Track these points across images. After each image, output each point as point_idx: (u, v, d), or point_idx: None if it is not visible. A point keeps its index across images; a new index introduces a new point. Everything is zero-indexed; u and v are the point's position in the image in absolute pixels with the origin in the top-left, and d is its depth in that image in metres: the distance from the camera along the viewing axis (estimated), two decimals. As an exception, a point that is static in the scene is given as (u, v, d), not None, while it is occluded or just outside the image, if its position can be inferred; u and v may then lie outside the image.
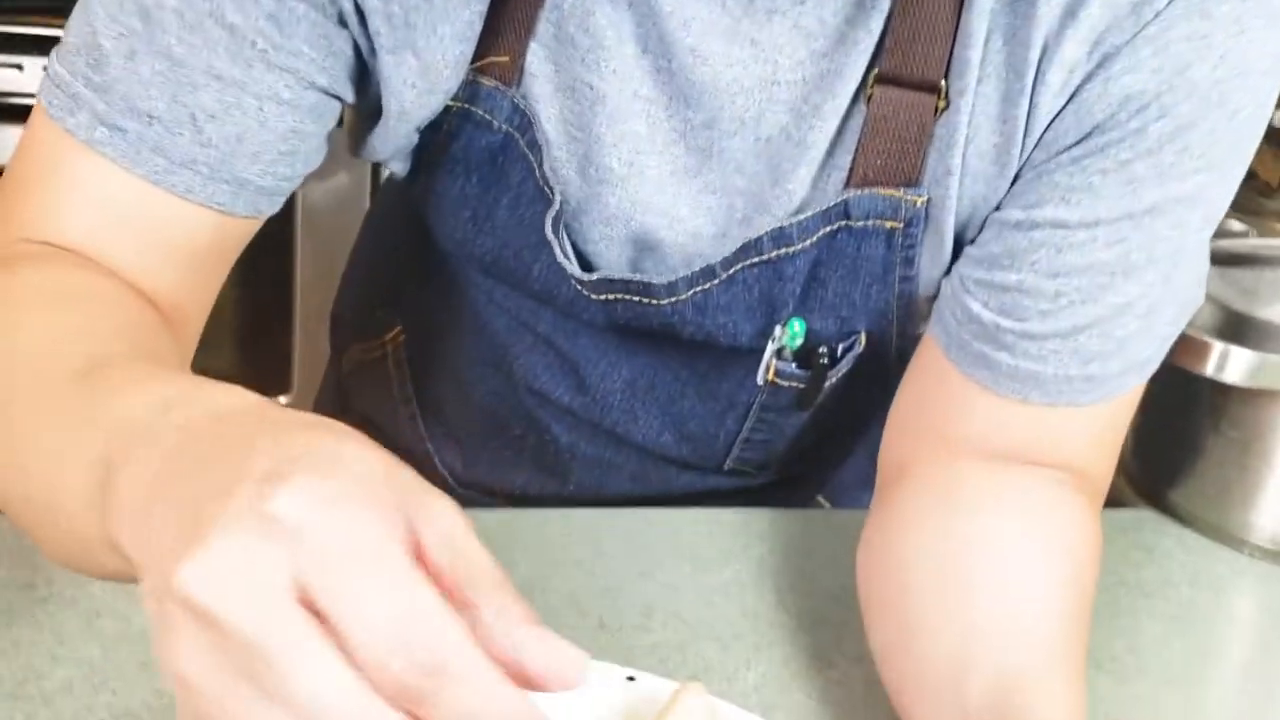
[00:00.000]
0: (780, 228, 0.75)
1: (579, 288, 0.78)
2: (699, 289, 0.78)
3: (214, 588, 0.39)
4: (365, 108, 0.74)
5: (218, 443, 0.45)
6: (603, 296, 0.78)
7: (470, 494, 0.96)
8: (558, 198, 0.75)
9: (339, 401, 1.04)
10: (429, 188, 0.78)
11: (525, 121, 0.74)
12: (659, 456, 0.92)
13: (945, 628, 0.67)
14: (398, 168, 0.78)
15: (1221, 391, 0.94)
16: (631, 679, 0.59)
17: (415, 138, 0.75)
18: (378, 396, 0.99)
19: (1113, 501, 0.93)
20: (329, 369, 1.09)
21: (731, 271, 0.77)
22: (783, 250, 0.76)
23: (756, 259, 0.76)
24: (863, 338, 0.81)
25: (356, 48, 0.69)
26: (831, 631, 0.80)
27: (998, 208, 0.73)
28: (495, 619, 0.41)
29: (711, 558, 0.86)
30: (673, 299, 0.78)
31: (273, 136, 0.68)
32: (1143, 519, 0.98)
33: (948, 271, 0.77)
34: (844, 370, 0.82)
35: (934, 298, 0.78)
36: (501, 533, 0.85)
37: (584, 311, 0.80)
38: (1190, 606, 0.88)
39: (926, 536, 0.73)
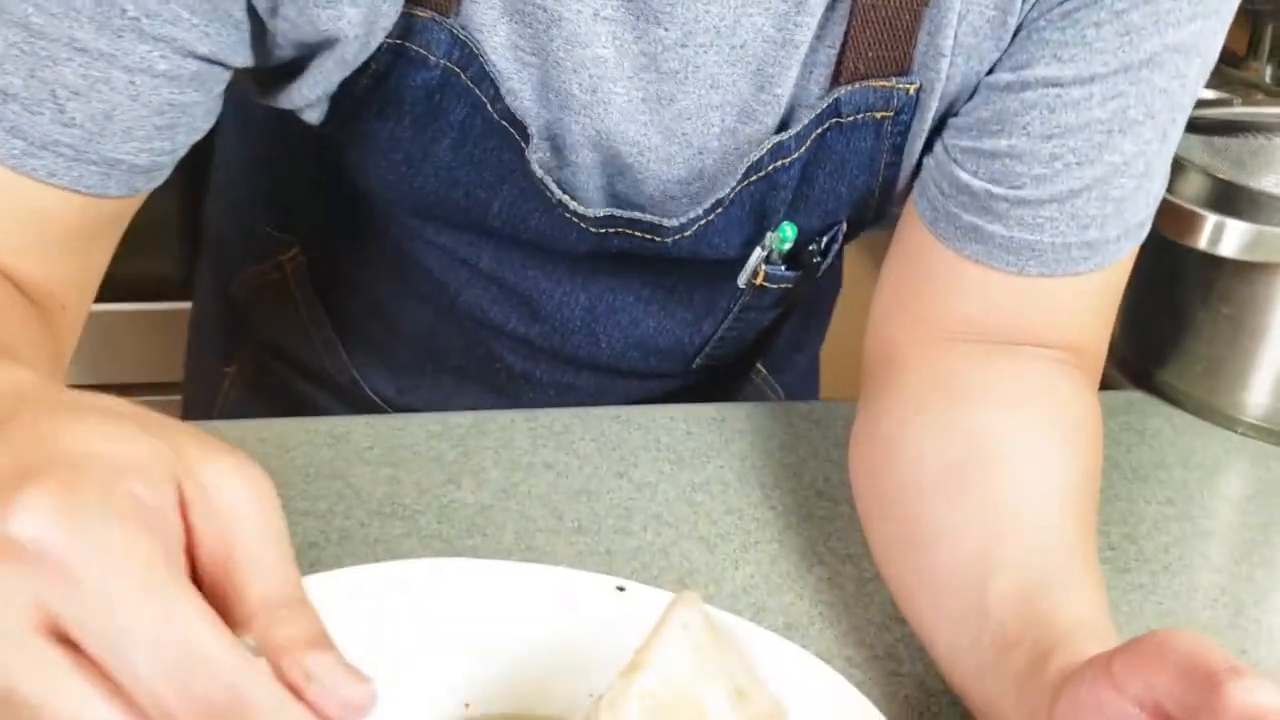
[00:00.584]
0: (779, 142, 0.71)
1: (576, 222, 0.74)
2: (706, 221, 0.74)
3: None
4: (268, 69, 0.66)
5: None
6: (602, 230, 0.74)
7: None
8: (532, 133, 0.70)
9: (235, 329, 0.98)
10: (351, 131, 0.71)
11: (467, 55, 0.67)
12: (623, 372, 0.88)
13: (962, 532, 0.64)
14: (312, 116, 0.70)
15: (1213, 266, 0.90)
16: (621, 589, 0.56)
17: (335, 83, 0.68)
18: (283, 323, 0.94)
19: (1100, 383, 0.90)
20: (209, 294, 1.02)
21: (734, 195, 0.73)
22: (779, 162, 0.72)
23: (755, 176, 0.72)
24: (844, 226, 0.77)
25: (250, 8, 0.61)
26: (818, 528, 0.76)
27: (988, 72, 0.69)
28: (280, 636, 0.38)
29: (690, 456, 0.82)
30: (679, 235, 0.75)
31: (147, 111, 0.60)
32: (1132, 400, 0.95)
33: (929, 146, 0.73)
34: (831, 260, 0.78)
35: (915, 174, 0.75)
36: (469, 436, 0.81)
37: (559, 243, 0.75)
38: (1184, 489, 0.85)
39: (929, 434, 0.69)
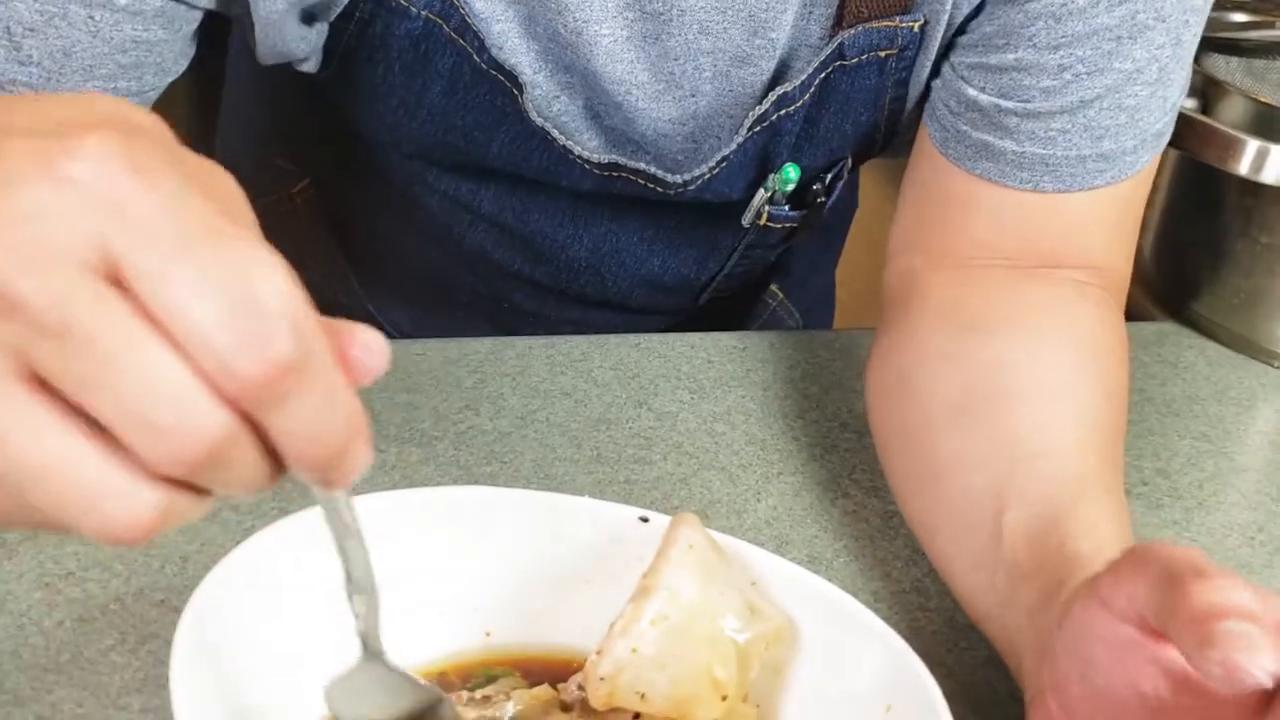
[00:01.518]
0: (784, 94, 0.70)
1: (580, 163, 0.72)
2: (711, 175, 0.73)
3: None
4: (247, 8, 0.63)
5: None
6: (606, 174, 0.73)
7: None
8: (525, 82, 0.68)
9: None
10: (346, 79, 0.70)
11: (447, 6, 0.65)
12: (631, 309, 0.87)
13: (977, 467, 0.62)
14: (309, 67, 0.68)
15: (1253, 193, 0.88)
16: (645, 520, 0.54)
17: (325, 32, 0.66)
18: (297, 252, 0.92)
19: (1131, 314, 0.88)
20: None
21: (739, 144, 0.71)
22: (784, 111, 0.71)
23: (760, 127, 0.71)
24: (849, 161, 0.75)
25: None
26: (842, 460, 0.75)
27: None
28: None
29: (711, 384, 0.81)
30: (683, 188, 0.73)
31: (108, 48, 0.57)
32: (1164, 332, 0.93)
33: (936, 69, 0.71)
34: (835, 198, 0.76)
35: (923, 101, 0.72)
36: (486, 362, 0.79)
37: (561, 184, 0.74)
38: (1219, 423, 0.83)
39: (944, 366, 0.67)
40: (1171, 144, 0.73)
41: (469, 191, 0.79)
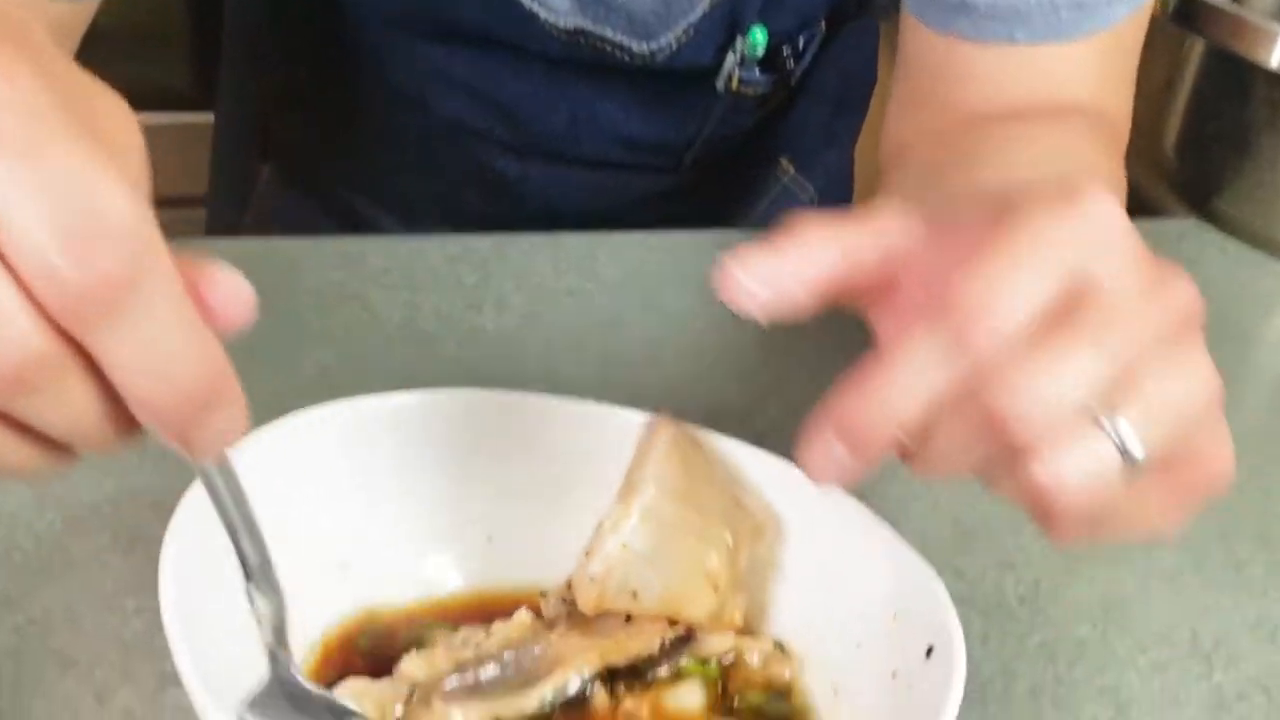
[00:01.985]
0: None
1: (548, 30, 0.71)
2: (677, 44, 0.72)
3: None
4: None
5: None
6: (573, 40, 0.72)
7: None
8: None
9: (266, 130, 0.96)
10: None
11: None
12: (617, 166, 0.86)
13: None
14: None
15: (1282, 85, 0.85)
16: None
17: None
18: (303, 130, 0.92)
19: (1153, 209, 0.86)
20: (236, 95, 0.99)
21: (705, 10, 0.70)
22: None
23: None
24: (822, 25, 0.73)
25: None
26: (855, 357, 0.72)
27: None
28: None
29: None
30: (651, 56, 0.73)
31: None
32: (1185, 230, 0.90)
33: None
34: (806, 64, 0.75)
35: None
36: (489, 260, 0.77)
37: (530, 48, 0.72)
38: (1244, 330, 0.81)
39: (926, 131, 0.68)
40: (1198, 33, 0.70)
41: (444, 57, 0.78)
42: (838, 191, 1.01)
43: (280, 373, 0.66)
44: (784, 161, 0.94)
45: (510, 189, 0.86)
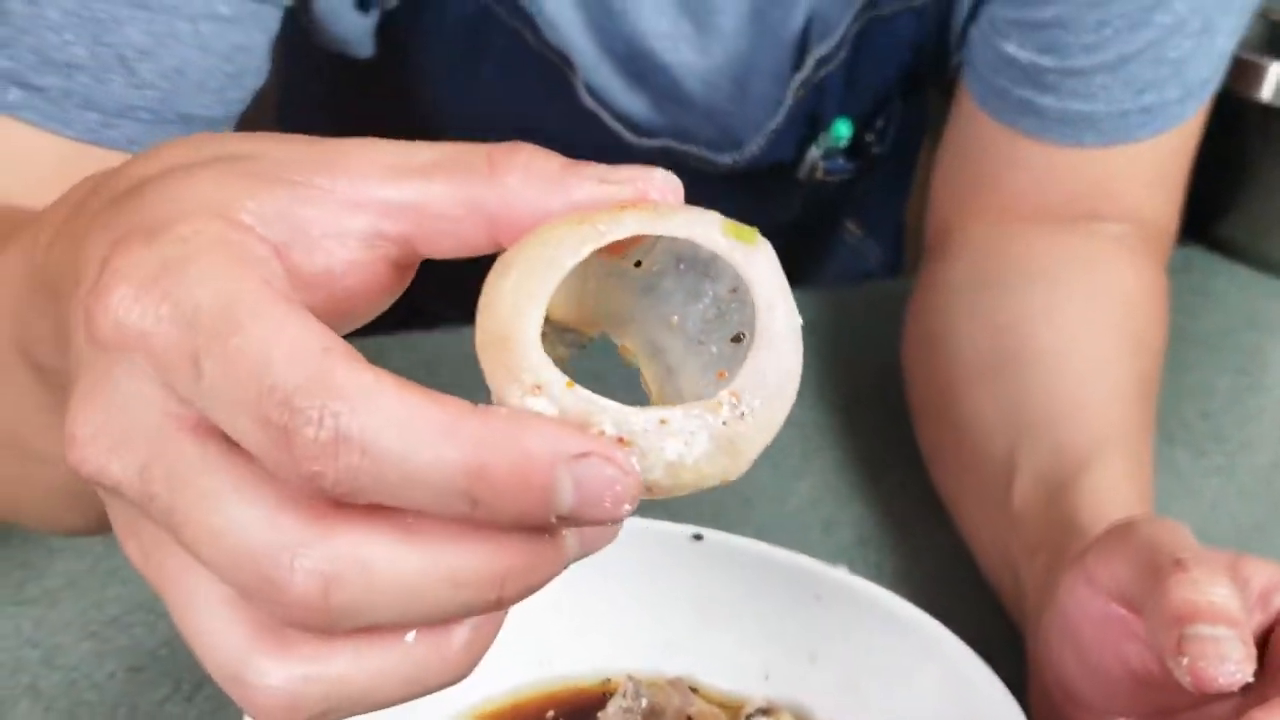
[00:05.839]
0: (823, 55, 0.69)
1: (632, 148, 0.72)
2: (760, 148, 0.72)
3: (94, 461, 0.28)
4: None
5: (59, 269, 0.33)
6: (657, 158, 0.72)
7: None
8: (576, 64, 0.68)
9: None
10: (399, 62, 0.71)
11: None
12: None
13: (993, 429, 0.61)
14: (363, 52, 0.68)
15: (1277, 113, 0.86)
16: (698, 537, 0.53)
17: (377, 18, 0.67)
18: None
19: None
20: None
21: (787, 112, 0.70)
22: (824, 70, 0.70)
23: (802, 91, 0.70)
24: (898, 104, 0.74)
25: None
26: (883, 426, 0.73)
27: None
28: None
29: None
30: (733, 165, 0.73)
31: (216, 59, 0.57)
32: (1191, 258, 0.91)
33: (974, 16, 0.69)
34: (890, 143, 0.75)
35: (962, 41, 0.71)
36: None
37: (610, 161, 0.73)
38: (1256, 354, 0.82)
39: (969, 324, 0.66)
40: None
41: None
42: (894, 245, 1.02)
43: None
44: (850, 225, 0.94)
45: None
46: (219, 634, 0.28)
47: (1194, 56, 0.66)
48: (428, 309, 0.92)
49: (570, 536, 0.28)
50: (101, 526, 0.54)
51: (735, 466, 0.28)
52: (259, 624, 0.28)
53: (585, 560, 0.52)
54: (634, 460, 0.27)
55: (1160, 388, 0.74)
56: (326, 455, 0.26)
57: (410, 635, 0.28)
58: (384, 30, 0.68)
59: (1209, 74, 0.68)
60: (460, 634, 0.28)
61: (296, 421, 0.26)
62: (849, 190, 0.86)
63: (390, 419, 0.26)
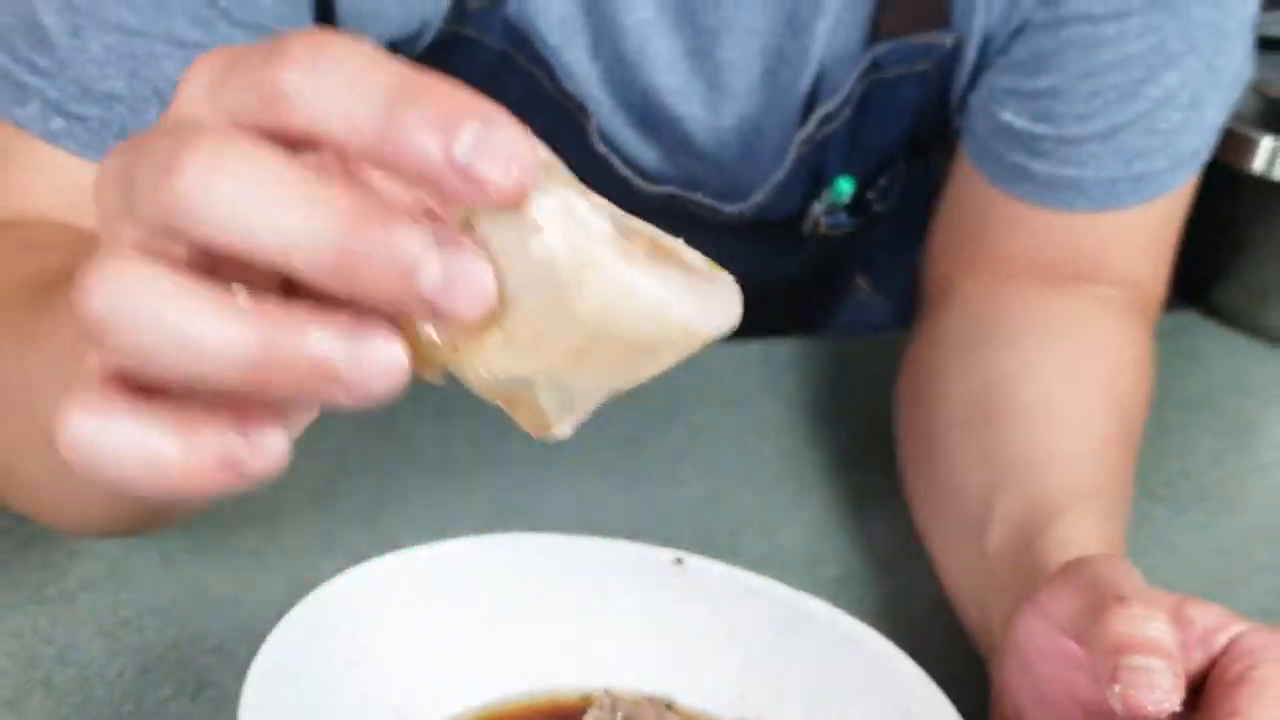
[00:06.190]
0: (827, 112, 0.72)
1: (642, 192, 0.75)
2: (765, 199, 0.75)
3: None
4: None
5: None
6: (665, 204, 0.76)
7: None
8: (591, 110, 0.71)
9: None
10: None
11: (520, 37, 0.68)
12: None
13: (971, 477, 0.64)
14: None
15: (1269, 186, 0.89)
16: (679, 561, 0.56)
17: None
18: None
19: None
20: None
21: (789, 166, 0.73)
22: (828, 128, 0.73)
23: (806, 149, 0.73)
24: (902, 166, 0.77)
25: None
26: (874, 467, 0.76)
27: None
28: None
29: (741, 395, 0.82)
30: (738, 215, 0.76)
31: None
32: (1183, 323, 0.94)
33: (973, 84, 0.72)
34: (891, 202, 0.78)
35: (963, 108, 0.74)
36: (517, 385, 0.81)
37: (625, 204, 0.76)
38: (1240, 418, 0.84)
39: (958, 375, 0.69)
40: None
41: None
42: (903, 302, 1.05)
43: (323, 508, 0.69)
44: (860, 280, 0.97)
45: None
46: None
47: (1183, 128, 0.69)
48: None
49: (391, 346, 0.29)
50: (130, 525, 0.58)
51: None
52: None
53: (569, 579, 0.56)
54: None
55: (1145, 446, 0.77)
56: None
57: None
58: None
59: (1198, 145, 0.71)
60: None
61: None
62: (853, 245, 0.89)
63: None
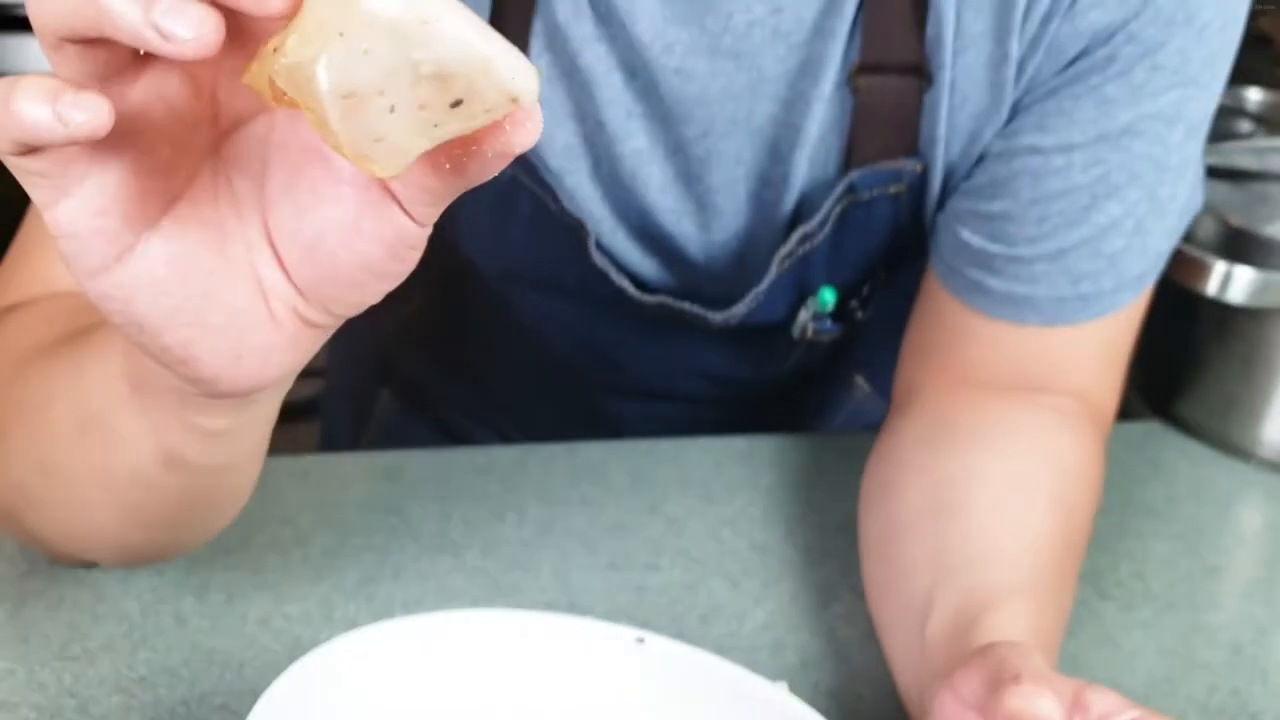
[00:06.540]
0: (805, 233, 0.77)
1: (636, 301, 0.81)
2: (749, 309, 0.81)
3: None
4: None
5: None
6: (657, 312, 0.82)
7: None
8: (590, 229, 0.78)
9: (385, 353, 1.06)
10: (441, 220, 0.80)
11: (527, 164, 0.75)
12: (706, 401, 0.96)
13: (922, 565, 0.69)
14: None
15: (1223, 308, 0.94)
16: (641, 640, 0.61)
17: None
18: (420, 357, 1.03)
19: (1122, 413, 0.94)
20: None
21: (769, 284, 0.79)
22: (807, 246, 0.79)
23: (788, 264, 0.79)
24: (883, 275, 0.83)
25: None
26: (838, 565, 0.81)
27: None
28: None
29: (719, 489, 0.88)
30: (724, 322, 0.81)
31: None
32: (1150, 432, 0.99)
33: (940, 205, 0.78)
34: (871, 310, 0.84)
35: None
36: (513, 472, 0.87)
37: (623, 309, 0.82)
38: (1194, 524, 0.89)
39: (916, 476, 0.75)
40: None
41: (551, 307, 0.88)
42: None
43: (326, 580, 0.75)
44: (859, 380, 1.03)
45: (609, 422, 0.95)
46: None
47: (1127, 253, 0.75)
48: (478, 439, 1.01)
49: None
50: (161, 550, 0.64)
51: None
52: None
53: (531, 654, 0.61)
54: None
55: (1101, 548, 0.83)
56: None
57: None
58: None
59: (1143, 269, 0.76)
60: None
61: None
62: (844, 348, 0.95)
63: None
